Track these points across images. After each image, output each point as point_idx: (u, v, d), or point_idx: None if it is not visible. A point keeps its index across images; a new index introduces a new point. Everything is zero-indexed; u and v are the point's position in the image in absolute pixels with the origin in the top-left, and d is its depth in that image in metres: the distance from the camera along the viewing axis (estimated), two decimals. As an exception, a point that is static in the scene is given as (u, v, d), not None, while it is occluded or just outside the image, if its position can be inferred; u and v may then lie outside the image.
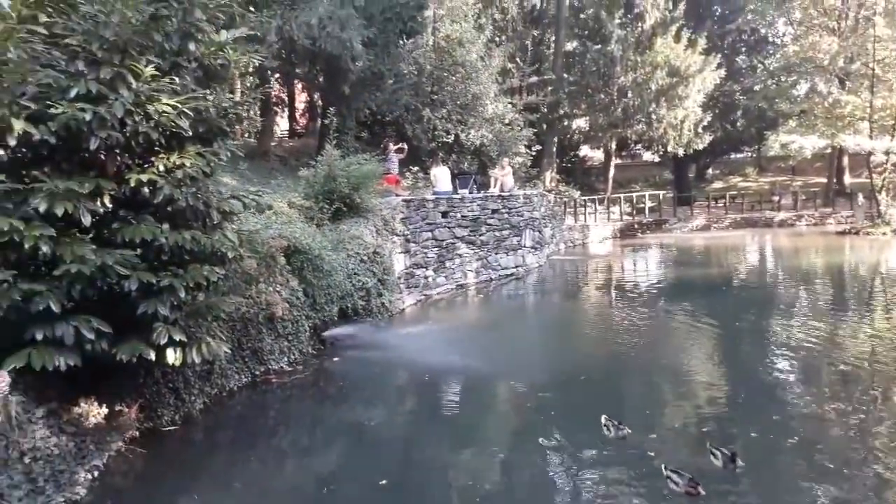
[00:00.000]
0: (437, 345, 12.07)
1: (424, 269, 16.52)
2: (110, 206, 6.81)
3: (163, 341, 6.82)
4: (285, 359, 10.46)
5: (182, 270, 7.02)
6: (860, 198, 32.79)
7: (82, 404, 7.12)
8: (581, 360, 11.31)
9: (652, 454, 7.22)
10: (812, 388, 9.50)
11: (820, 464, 6.98)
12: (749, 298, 16.93)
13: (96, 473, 6.74)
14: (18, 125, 6.20)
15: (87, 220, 6.45)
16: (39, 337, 6.19)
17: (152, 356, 6.85)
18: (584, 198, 32.40)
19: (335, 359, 11.14)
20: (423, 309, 15.54)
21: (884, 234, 27.85)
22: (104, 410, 7.28)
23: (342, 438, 8.24)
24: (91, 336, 6.42)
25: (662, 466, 6.62)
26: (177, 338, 6.93)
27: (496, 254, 19.04)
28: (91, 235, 6.57)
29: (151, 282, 6.74)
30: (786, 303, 16.18)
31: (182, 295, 6.93)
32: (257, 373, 9.87)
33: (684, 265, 21.65)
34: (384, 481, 6.74)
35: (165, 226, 7.05)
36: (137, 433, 7.57)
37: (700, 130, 33.01)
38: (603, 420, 7.86)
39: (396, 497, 6.59)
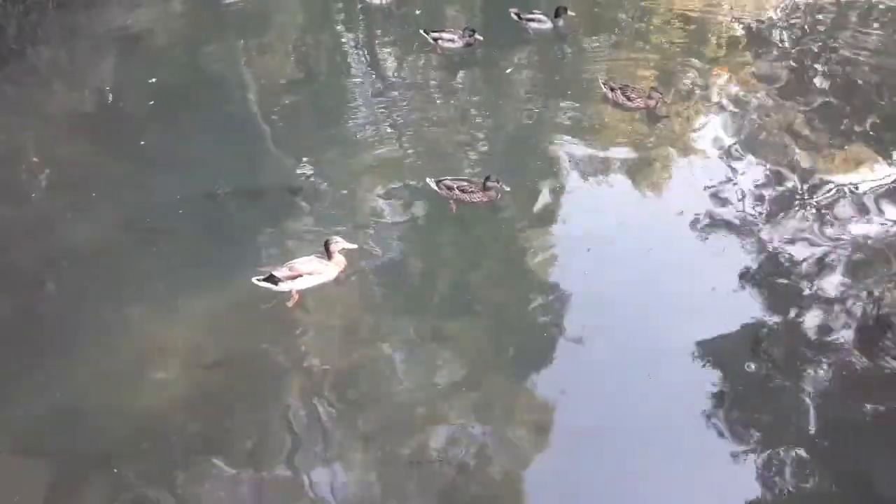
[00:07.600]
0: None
1: None
2: None
3: None
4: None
5: None
6: None
7: None
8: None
9: (419, 12, 7.44)
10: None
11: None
12: None
13: None
14: None
15: None
16: None
17: None
18: None
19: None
20: None
21: None
22: None
23: (106, 48, 7.47)
24: None
25: (422, 31, 6.70)
26: None
27: None
28: None
29: None
30: None
31: None
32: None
33: None
34: (153, 79, 6.45)
35: None
36: None
37: None
38: None
39: (173, 87, 6.40)
